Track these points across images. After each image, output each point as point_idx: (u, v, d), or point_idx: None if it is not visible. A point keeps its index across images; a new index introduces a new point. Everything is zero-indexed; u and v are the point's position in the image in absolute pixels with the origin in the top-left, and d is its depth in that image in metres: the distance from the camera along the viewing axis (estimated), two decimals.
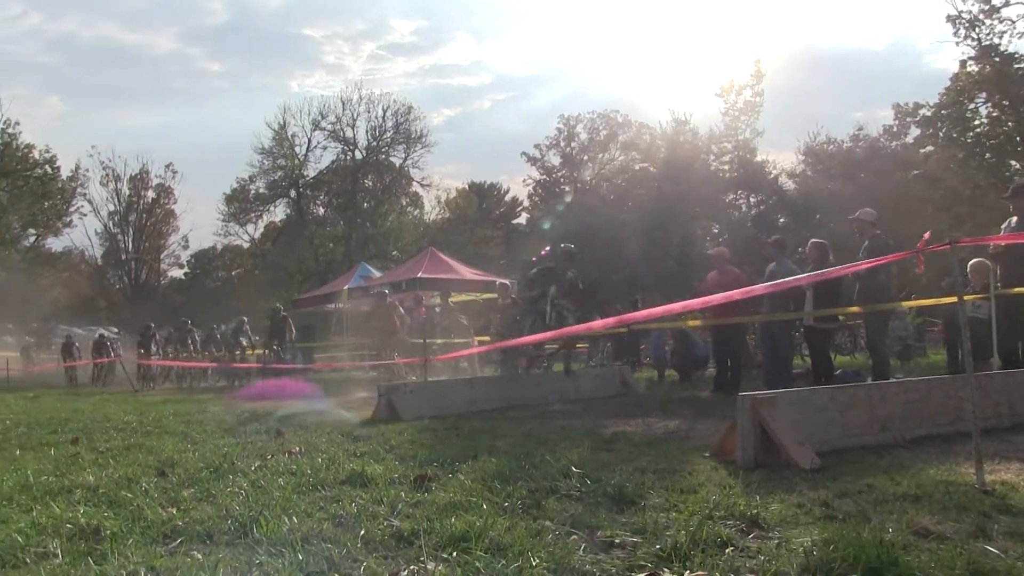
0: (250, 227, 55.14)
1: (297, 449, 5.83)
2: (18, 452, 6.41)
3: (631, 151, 47.67)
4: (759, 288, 6.44)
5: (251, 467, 5.01)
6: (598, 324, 7.94)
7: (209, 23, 72.68)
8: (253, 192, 53.42)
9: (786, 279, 6.67)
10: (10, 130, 47.15)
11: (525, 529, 3.16)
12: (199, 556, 2.92)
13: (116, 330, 37.69)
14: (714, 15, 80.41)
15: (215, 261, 59.20)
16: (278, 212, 54.56)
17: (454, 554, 2.85)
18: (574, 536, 3.10)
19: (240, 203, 53.65)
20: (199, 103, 74.22)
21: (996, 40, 31.90)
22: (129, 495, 4.14)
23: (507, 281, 17.74)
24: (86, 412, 10.76)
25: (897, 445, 4.99)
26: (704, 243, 36.02)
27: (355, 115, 51.72)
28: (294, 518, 3.43)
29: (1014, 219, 7.65)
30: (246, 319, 20.47)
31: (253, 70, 75.06)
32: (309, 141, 52.31)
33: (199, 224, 73.79)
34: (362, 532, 3.18)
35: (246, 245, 56.33)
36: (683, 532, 3.01)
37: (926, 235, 4.55)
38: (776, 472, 4.27)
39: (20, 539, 3.25)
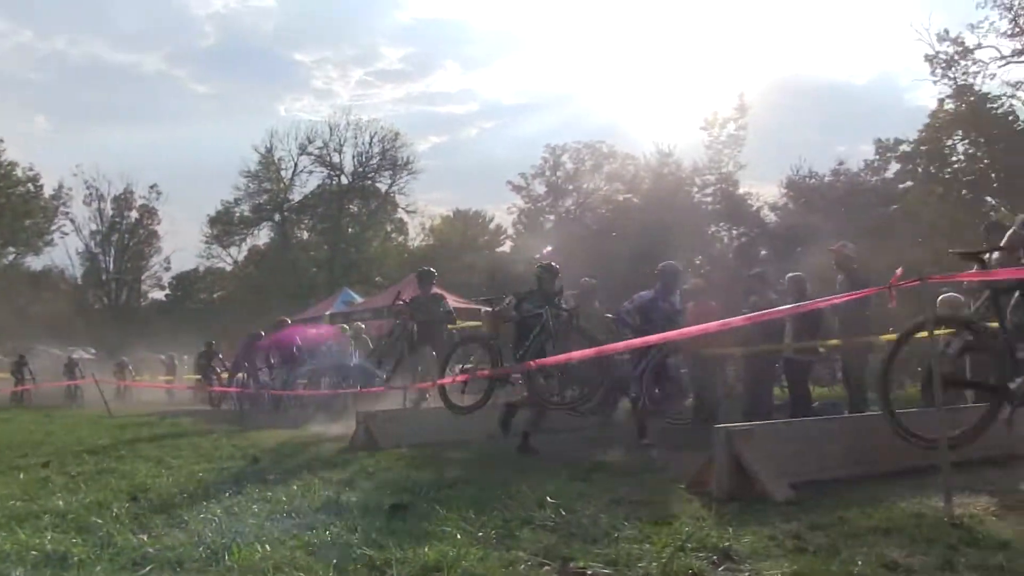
0: (233, 250, 54.99)
1: (272, 476, 5.79)
2: None
3: (615, 182, 47.99)
4: (736, 320, 6.48)
5: (225, 493, 4.98)
6: (576, 354, 7.76)
7: (198, 45, 72.49)
8: (238, 215, 53.38)
9: (766, 311, 6.72)
10: None
11: (498, 559, 3.17)
12: None
13: (93, 351, 37.34)
14: (700, 48, 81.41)
15: (197, 284, 58.79)
16: (262, 235, 54.51)
17: None
18: (546, 567, 3.11)
19: (224, 225, 53.53)
20: (185, 124, 73.78)
21: (971, 80, 32.93)
22: (99, 521, 4.10)
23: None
24: (59, 435, 10.61)
25: (872, 478, 5.02)
26: (687, 275, 36.08)
27: (342, 140, 51.96)
28: (267, 546, 3.41)
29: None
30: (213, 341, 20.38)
31: (241, 93, 74.88)
32: (295, 165, 52.48)
33: (182, 246, 72.93)
34: (335, 561, 3.17)
35: (229, 268, 56.16)
36: (655, 564, 3.03)
37: (898, 271, 4.62)
38: (750, 505, 4.28)
39: None
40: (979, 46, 32.47)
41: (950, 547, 3.22)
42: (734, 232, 39.93)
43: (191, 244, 70.87)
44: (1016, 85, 32.51)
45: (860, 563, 2.97)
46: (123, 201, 54.53)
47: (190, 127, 72.45)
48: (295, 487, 5.19)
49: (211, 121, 71.19)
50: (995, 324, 5.15)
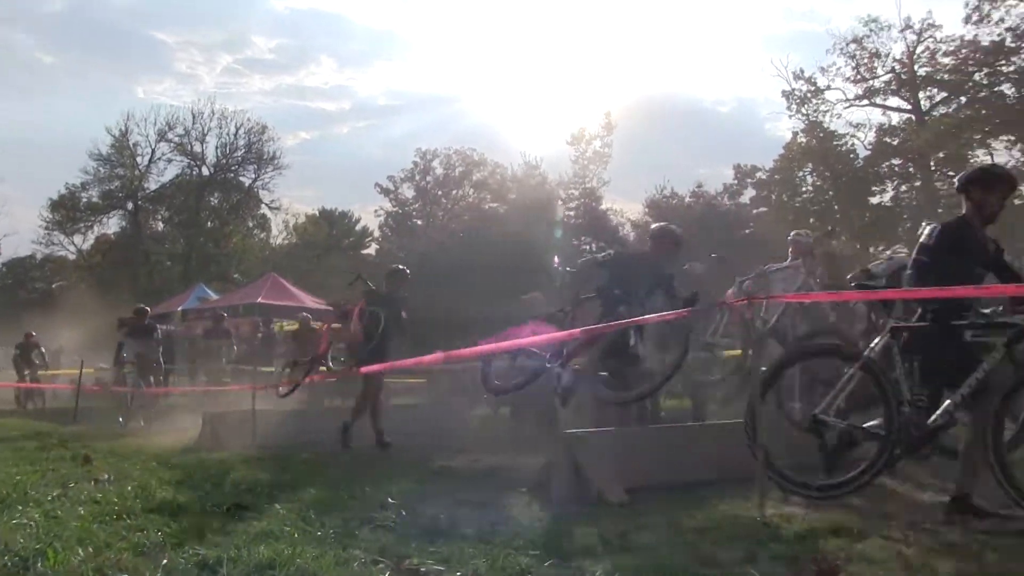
0: (78, 238, 51.66)
1: (105, 476, 5.54)
2: None
3: (483, 190, 48.39)
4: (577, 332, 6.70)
5: (48, 496, 4.70)
6: (429, 359, 7.87)
7: (43, 10, 66.88)
8: (85, 201, 50.12)
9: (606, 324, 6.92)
10: None
11: (334, 557, 3.19)
12: None
13: None
14: (574, 62, 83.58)
15: (33, 271, 54.92)
16: (112, 224, 51.42)
17: None
18: (380, 564, 3.16)
19: (68, 211, 50.12)
20: (28, 97, 68.05)
21: (820, 118, 36.01)
22: None
23: None
24: None
25: (704, 483, 5.32)
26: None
27: (205, 129, 49.65)
28: (90, 548, 3.28)
29: None
30: None
31: (94, 68, 69.62)
32: (153, 152, 49.59)
33: (16, 229, 66.70)
34: (164, 561, 3.10)
35: (72, 257, 52.74)
36: (485, 561, 3.13)
37: (729, 292, 4.95)
38: (587, 507, 4.48)
39: None
40: (828, 87, 35.87)
41: (757, 542, 3.51)
42: (595, 246, 41.07)
43: (27, 228, 65.71)
44: (857, 126, 35.88)
45: (675, 558, 3.18)
46: None
47: (32, 100, 66.83)
48: (130, 488, 5.01)
49: (58, 96, 65.90)
50: None
